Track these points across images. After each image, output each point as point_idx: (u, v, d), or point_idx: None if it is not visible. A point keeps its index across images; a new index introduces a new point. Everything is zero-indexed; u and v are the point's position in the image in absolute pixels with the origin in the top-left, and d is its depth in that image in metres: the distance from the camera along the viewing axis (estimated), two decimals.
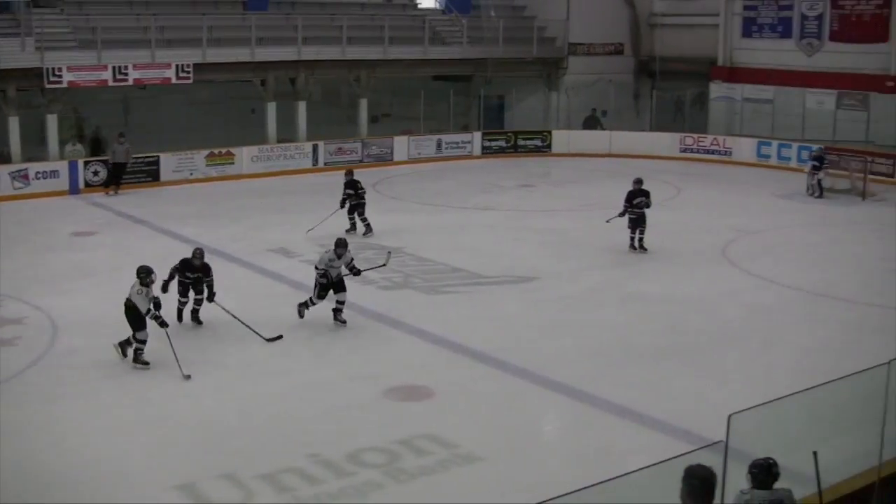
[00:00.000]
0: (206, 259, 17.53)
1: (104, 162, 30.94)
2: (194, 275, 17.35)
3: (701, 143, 39.09)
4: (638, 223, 23.38)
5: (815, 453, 8.57)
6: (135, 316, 15.49)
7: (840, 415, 9.95)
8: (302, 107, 35.78)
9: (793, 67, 38.94)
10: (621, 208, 23.42)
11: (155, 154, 32.06)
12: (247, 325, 16.80)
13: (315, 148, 35.37)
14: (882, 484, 9.83)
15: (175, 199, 29.70)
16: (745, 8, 40.77)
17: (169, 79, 32.53)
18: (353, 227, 25.15)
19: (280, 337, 16.87)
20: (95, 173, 30.81)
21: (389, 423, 13.56)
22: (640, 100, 43.94)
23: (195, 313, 17.64)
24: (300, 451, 12.56)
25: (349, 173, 25.56)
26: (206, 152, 33.13)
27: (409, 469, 12.17)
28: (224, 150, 33.57)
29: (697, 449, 8.53)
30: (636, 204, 23.30)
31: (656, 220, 23.90)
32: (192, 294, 17.54)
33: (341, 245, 17.73)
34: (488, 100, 41.17)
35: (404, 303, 19.40)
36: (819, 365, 15.25)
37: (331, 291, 17.72)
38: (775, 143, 37.66)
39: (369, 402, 14.37)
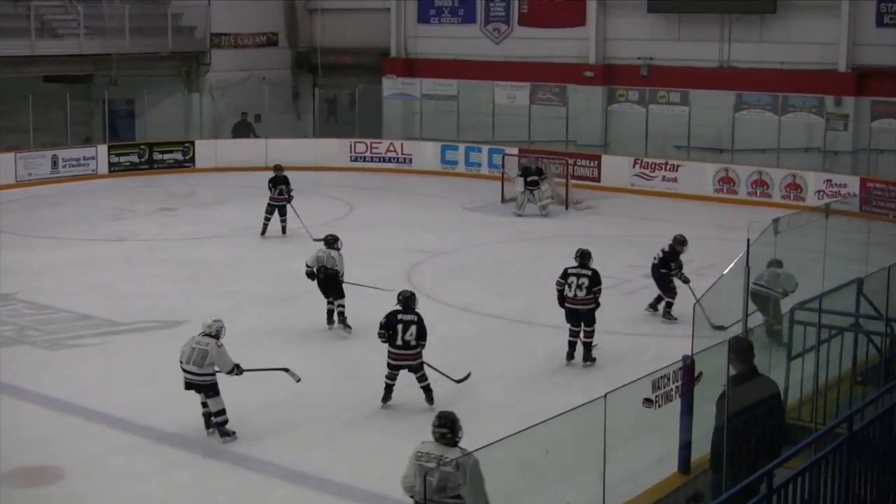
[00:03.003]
0: None
1: None
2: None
3: (375, 150, 39.81)
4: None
5: None
6: (335, 283, 19.99)
7: (555, 460, 10.24)
8: None
9: (479, 57, 40.33)
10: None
11: None
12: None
13: None
14: None
15: None
16: None
17: None
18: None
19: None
20: None
21: None
22: (301, 100, 44.36)
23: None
24: None
25: (278, 168, 28.35)
26: None
27: None
28: None
29: None
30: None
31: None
32: None
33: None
34: (115, 105, 40.50)
35: (20, 363, 18.72)
36: (527, 403, 15.86)
37: None
38: (462, 147, 38.87)
39: None
